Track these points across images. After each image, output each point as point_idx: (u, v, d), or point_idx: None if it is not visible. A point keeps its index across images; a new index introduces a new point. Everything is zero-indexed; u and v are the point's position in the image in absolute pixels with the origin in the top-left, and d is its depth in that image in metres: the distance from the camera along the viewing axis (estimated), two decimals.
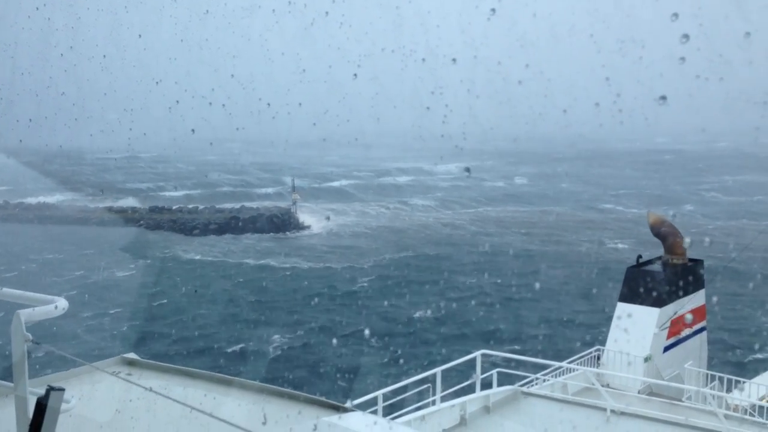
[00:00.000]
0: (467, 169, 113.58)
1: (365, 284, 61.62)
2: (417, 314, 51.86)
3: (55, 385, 4.31)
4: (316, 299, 57.06)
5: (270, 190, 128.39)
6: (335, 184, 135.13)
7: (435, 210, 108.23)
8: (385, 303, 54.37)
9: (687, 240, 24.78)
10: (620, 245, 75.17)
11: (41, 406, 4.21)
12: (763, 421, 17.87)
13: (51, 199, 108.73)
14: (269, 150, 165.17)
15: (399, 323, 49.69)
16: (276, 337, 47.22)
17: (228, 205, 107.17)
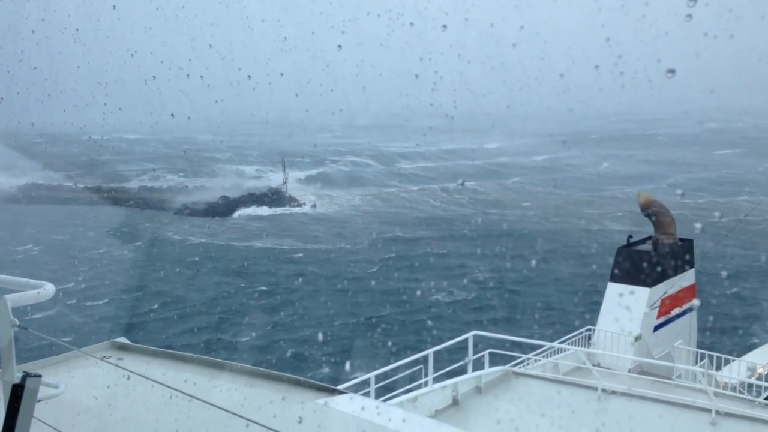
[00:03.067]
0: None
1: (353, 266, 61.37)
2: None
3: (33, 371, 4.23)
4: (300, 279, 57.03)
5: (261, 169, 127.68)
6: (329, 167, 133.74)
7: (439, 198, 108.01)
8: (372, 283, 54.25)
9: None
10: None
11: (17, 393, 4.12)
12: (752, 398, 18.01)
13: (40, 179, 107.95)
14: (265, 131, 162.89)
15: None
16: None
17: (218, 185, 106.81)
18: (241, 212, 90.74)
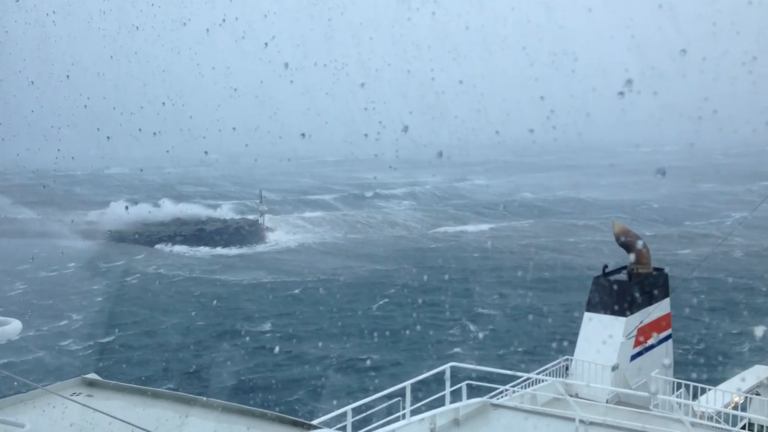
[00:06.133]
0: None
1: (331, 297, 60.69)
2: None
3: None
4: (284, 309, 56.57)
5: (238, 202, 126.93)
6: (308, 197, 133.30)
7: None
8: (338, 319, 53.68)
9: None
10: None
11: None
12: (729, 427, 18.08)
13: (13, 213, 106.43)
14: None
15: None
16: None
17: (194, 217, 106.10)
18: (218, 244, 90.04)
